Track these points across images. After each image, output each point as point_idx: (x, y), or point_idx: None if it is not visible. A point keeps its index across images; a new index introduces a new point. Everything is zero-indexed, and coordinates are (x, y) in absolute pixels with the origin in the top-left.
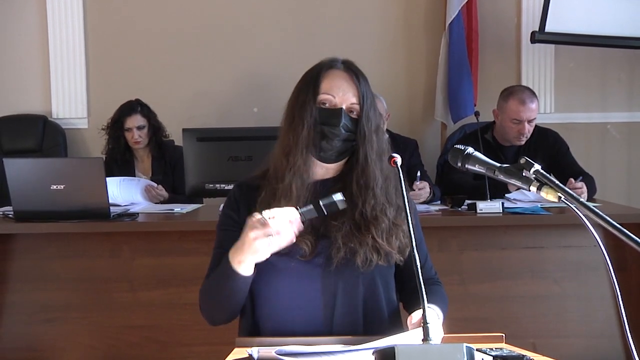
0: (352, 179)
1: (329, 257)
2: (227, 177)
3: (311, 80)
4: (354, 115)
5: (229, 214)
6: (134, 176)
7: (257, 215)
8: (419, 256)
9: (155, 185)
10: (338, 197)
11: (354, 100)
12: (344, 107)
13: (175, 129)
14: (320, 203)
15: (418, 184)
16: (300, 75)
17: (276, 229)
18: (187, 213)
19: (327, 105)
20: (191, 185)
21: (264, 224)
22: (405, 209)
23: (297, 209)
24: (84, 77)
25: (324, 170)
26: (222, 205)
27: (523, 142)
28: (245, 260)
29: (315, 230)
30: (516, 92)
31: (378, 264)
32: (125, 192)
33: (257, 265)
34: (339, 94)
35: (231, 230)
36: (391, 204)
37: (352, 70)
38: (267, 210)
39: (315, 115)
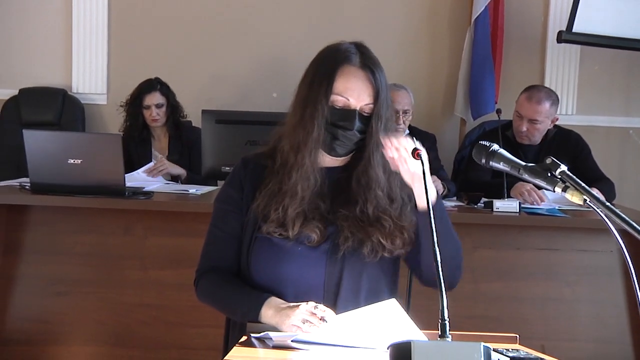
0: (354, 176)
1: (336, 245)
2: None
3: (325, 76)
4: (366, 113)
5: (231, 192)
6: (151, 155)
7: (319, 312)
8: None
9: (151, 164)
10: None
11: (368, 100)
12: (358, 108)
13: (193, 110)
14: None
15: None
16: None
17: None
18: (201, 195)
19: (341, 105)
20: (208, 166)
21: (312, 322)
22: (430, 211)
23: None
24: (105, 53)
25: (332, 159)
26: None
27: (524, 141)
28: (271, 322)
29: (323, 218)
30: (531, 89)
31: (383, 255)
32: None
33: (263, 246)
34: (354, 95)
35: (230, 210)
36: (394, 200)
37: (368, 67)
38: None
39: (328, 116)
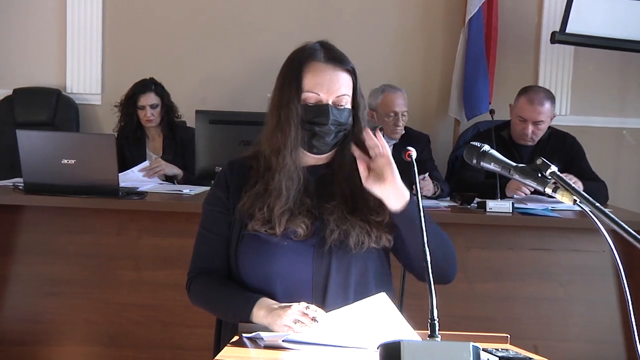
0: (336, 170)
1: (323, 238)
2: None
3: (293, 76)
4: (342, 105)
5: (218, 194)
6: (145, 155)
7: (311, 312)
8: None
9: (147, 163)
10: None
11: (340, 92)
12: (330, 102)
13: (187, 110)
14: None
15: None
16: None
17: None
18: (195, 195)
19: (313, 102)
20: (201, 167)
21: (304, 322)
22: (419, 206)
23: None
24: (99, 53)
25: (315, 158)
26: None
27: (528, 143)
28: (263, 323)
29: (310, 213)
30: (530, 91)
31: (370, 246)
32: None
33: (250, 243)
34: (324, 89)
35: (218, 212)
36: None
37: (334, 60)
38: (315, 314)
39: (302, 114)
